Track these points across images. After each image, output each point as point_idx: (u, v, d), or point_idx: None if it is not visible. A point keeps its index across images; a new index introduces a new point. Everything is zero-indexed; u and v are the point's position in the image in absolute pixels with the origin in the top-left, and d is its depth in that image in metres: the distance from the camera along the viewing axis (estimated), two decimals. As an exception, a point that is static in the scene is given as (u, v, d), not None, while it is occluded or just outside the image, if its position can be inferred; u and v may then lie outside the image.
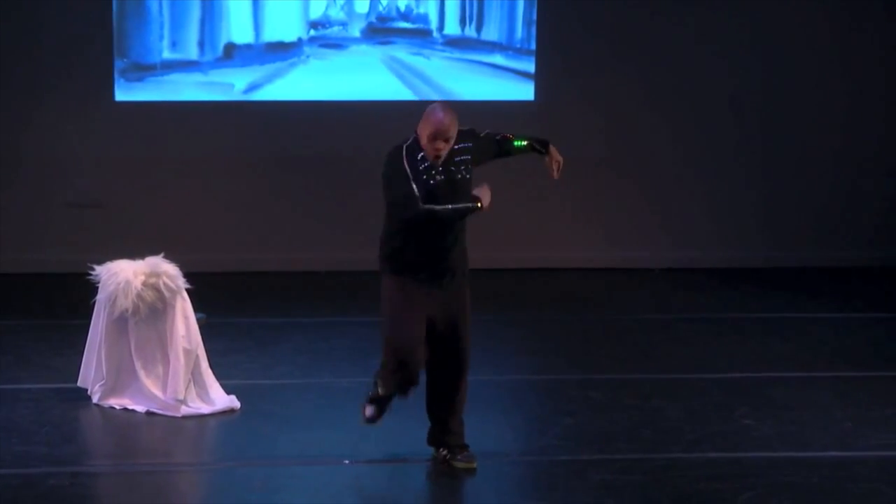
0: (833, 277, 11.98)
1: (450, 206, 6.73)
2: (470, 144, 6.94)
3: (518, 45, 11.56)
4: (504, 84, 11.55)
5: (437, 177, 6.79)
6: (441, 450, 7.12)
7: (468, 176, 6.92)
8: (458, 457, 7.07)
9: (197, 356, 8.24)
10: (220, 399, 8.27)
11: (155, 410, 8.12)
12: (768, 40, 11.76)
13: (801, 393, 8.70)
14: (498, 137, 7.17)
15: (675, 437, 7.83)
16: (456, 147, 6.84)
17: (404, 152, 6.79)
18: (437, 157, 6.76)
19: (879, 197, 12.05)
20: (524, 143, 7.23)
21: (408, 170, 6.74)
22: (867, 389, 8.75)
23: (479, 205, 6.76)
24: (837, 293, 11.50)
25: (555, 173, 7.17)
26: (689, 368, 9.29)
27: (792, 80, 11.84)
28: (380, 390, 6.99)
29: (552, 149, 7.20)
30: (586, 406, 8.42)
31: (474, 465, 7.08)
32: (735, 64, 11.75)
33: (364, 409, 7.08)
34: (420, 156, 6.77)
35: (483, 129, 7.09)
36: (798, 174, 11.96)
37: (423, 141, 6.76)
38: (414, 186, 6.72)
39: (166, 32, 11.19)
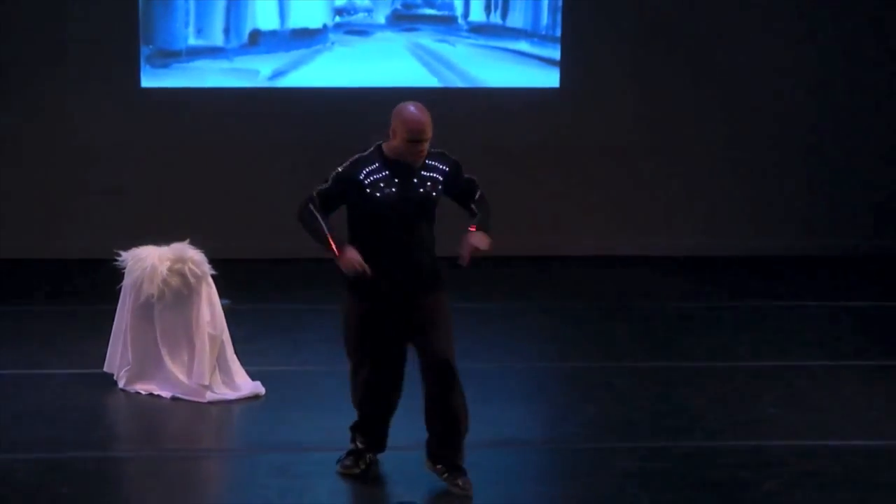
0: (857, 266, 11.92)
1: (322, 228, 6.42)
2: (447, 169, 6.57)
3: (543, 33, 11.53)
4: (529, 71, 11.53)
5: (389, 189, 6.43)
6: (437, 465, 6.73)
7: (433, 194, 6.52)
8: (457, 482, 6.65)
9: (222, 342, 8.26)
10: (245, 385, 8.29)
11: (180, 396, 8.15)
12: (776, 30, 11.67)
13: (826, 382, 8.68)
14: (474, 199, 6.67)
15: (698, 425, 7.83)
16: (429, 162, 6.53)
17: (356, 160, 6.50)
18: (418, 159, 6.42)
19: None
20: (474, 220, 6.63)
21: (340, 175, 6.47)
22: (893, 379, 8.72)
23: (334, 252, 6.38)
24: (861, 282, 11.45)
25: (463, 258, 6.48)
26: (713, 357, 9.27)
27: (813, 73, 11.79)
28: (358, 444, 6.95)
29: (477, 234, 6.51)
30: (609, 394, 8.41)
31: (470, 493, 6.61)
32: (757, 52, 11.67)
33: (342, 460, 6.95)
34: (375, 165, 6.47)
35: (467, 172, 6.67)
36: (824, 163, 11.92)
37: (398, 143, 6.41)
38: (324, 189, 6.47)
39: (191, 19, 11.20)
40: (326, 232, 6.43)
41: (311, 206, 6.49)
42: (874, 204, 11.98)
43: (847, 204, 12.00)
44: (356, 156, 6.54)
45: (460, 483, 6.61)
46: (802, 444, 7.51)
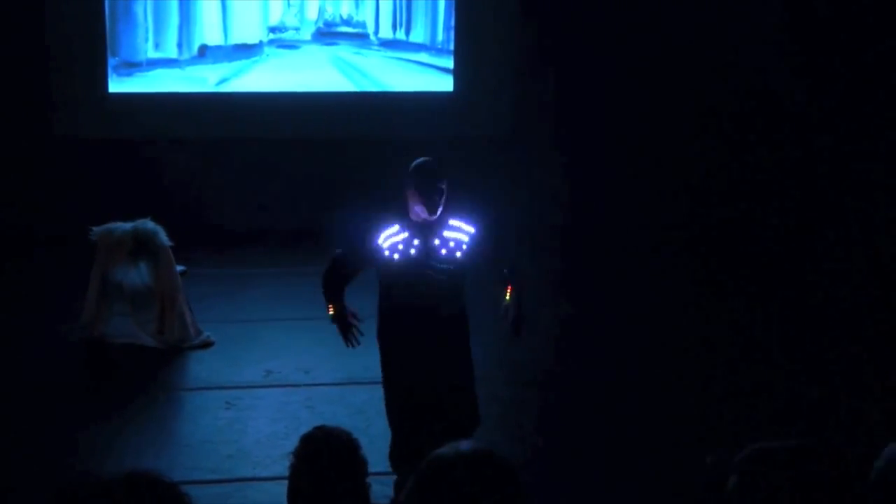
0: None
1: (329, 293, 5.48)
2: (473, 232, 5.36)
3: (439, 46, 11.44)
4: (428, 78, 11.44)
5: (410, 250, 5.28)
6: None
7: (457, 256, 5.31)
8: None
9: (178, 300, 8.15)
10: (197, 335, 8.20)
11: (144, 344, 8.03)
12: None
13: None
14: (503, 274, 5.46)
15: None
16: (451, 222, 5.33)
17: (375, 226, 5.34)
18: (433, 210, 5.22)
19: None
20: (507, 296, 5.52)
21: (362, 244, 5.35)
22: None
23: (329, 312, 5.53)
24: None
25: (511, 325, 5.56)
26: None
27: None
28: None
29: (513, 300, 5.52)
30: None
31: None
32: (630, 55, 11.55)
33: None
34: (395, 228, 5.31)
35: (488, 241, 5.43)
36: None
37: (415, 199, 5.23)
38: (341, 255, 5.46)
39: (150, 35, 10.98)
40: (328, 294, 5.52)
41: (330, 274, 5.54)
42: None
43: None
44: (374, 220, 5.38)
45: None
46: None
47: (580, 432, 6.74)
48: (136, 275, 8.12)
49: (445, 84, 11.47)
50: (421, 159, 5.36)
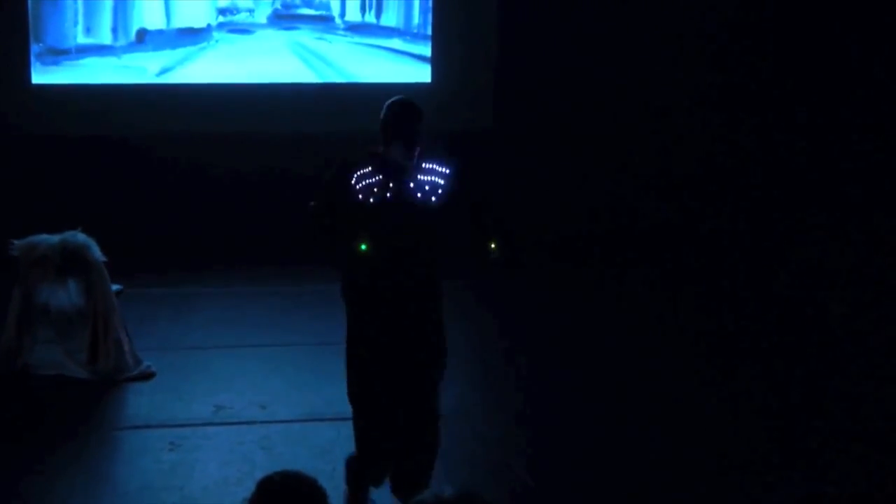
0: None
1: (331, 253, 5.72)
2: (448, 173, 5.65)
3: (415, 31, 11.43)
4: (402, 67, 11.42)
5: (385, 193, 5.55)
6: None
7: (433, 200, 5.60)
8: None
9: (114, 325, 8.11)
10: (136, 365, 8.15)
11: (74, 377, 7.97)
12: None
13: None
14: (479, 222, 5.73)
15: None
16: (426, 165, 5.63)
17: (347, 166, 5.63)
18: (409, 148, 5.56)
19: None
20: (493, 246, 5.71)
21: (334, 184, 5.64)
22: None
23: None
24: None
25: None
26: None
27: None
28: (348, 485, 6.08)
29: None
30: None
31: None
32: (612, 55, 11.63)
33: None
34: (367, 169, 5.57)
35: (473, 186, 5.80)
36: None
37: (390, 138, 5.57)
38: (316, 206, 5.73)
39: (80, 18, 10.93)
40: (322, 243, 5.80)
41: (315, 230, 5.78)
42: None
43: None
44: (344, 161, 5.72)
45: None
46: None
47: (575, 470, 6.74)
48: (65, 295, 8.06)
49: (422, 74, 11.46)
50: (396, 97, 5.77)
